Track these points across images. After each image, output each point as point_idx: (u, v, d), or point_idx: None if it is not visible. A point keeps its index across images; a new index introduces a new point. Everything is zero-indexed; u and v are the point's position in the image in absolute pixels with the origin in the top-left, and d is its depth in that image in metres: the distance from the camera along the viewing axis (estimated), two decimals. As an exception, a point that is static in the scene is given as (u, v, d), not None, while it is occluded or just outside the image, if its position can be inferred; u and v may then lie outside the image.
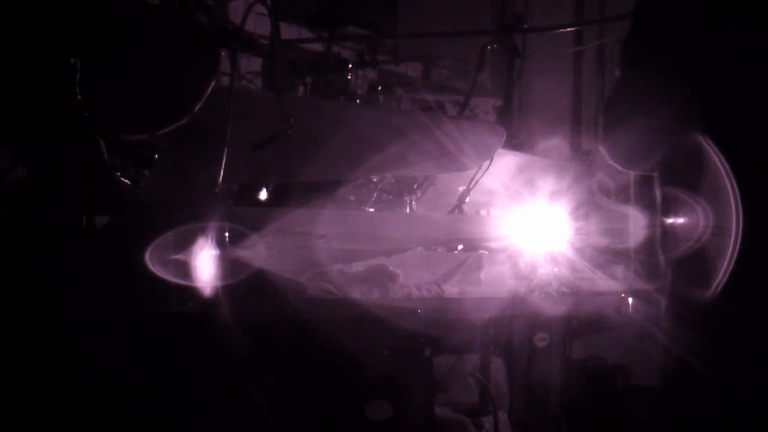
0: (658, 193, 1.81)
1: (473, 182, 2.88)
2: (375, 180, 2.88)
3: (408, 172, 2.84)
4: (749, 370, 1.58)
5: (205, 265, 2.02)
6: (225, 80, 2.28)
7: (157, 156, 1.93)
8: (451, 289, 2.66)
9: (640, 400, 3.73)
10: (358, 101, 3.06)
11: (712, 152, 1.60)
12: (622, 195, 3.20)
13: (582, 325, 3.48)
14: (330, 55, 3.25)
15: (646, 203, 2.79)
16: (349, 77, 3.06)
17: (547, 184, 3.00)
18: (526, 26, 3.16)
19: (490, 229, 2.95)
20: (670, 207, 1.77)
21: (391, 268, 2.55)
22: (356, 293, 2.39)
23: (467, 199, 2.96)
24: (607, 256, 3.04)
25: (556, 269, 2.92)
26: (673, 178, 1.76)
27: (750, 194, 1.58)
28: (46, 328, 1.90)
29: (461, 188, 2.96)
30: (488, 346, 3.19)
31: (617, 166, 1.81)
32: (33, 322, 1.90)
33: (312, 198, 2.59)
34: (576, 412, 3.51)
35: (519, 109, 4.35)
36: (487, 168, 2.83)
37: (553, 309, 2.87)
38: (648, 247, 2.73)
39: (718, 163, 1.59)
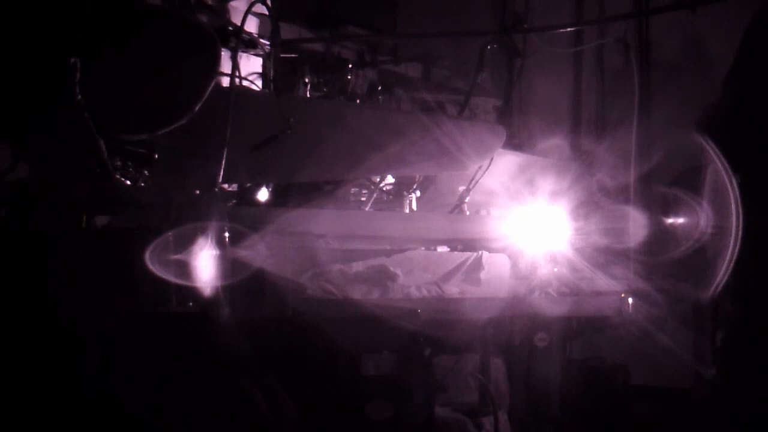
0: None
1: (473, 182, 2.89)
2: (375, 180, 2.88)
3: (408, 172, 2.84)
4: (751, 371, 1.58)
5: (205, 265, 2.01)
6: (225, 80, 2.29)
7: (156, 156, 1.93)
8: (451, 289, 2.66)
9: (640, 400, 3.73)
10: (358, 101, 3.06)
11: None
12: (622, 195, 3.20)
13: (582, 325, 3.47)
14: (330, 55, 3.25)
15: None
16: (349, 77, 3.06)
17: (547, 184, 3.00)
18: (526, 26, 3.16)
19: (490, 229, 2.94)
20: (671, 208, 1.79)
21: (391, 268, 2.55)
22: (356, 293, 2.39)
23: (467, 199, 2.96)
24: (607, 256, 3.03)
25: (556, 269, 2.92)
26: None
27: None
28: (46, 328, 1.90)
29: (461, 188, 2.96)
30: (488, 346, 3.19)
31: None
32: (33, 322, 1.90)
33: (312, 198, 2.59)
34: (576, 412, 3.50)
35: (519, 109, 4.34)
36: (487, 168, 2.83)
37: (553, 309, 2.86)
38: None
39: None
